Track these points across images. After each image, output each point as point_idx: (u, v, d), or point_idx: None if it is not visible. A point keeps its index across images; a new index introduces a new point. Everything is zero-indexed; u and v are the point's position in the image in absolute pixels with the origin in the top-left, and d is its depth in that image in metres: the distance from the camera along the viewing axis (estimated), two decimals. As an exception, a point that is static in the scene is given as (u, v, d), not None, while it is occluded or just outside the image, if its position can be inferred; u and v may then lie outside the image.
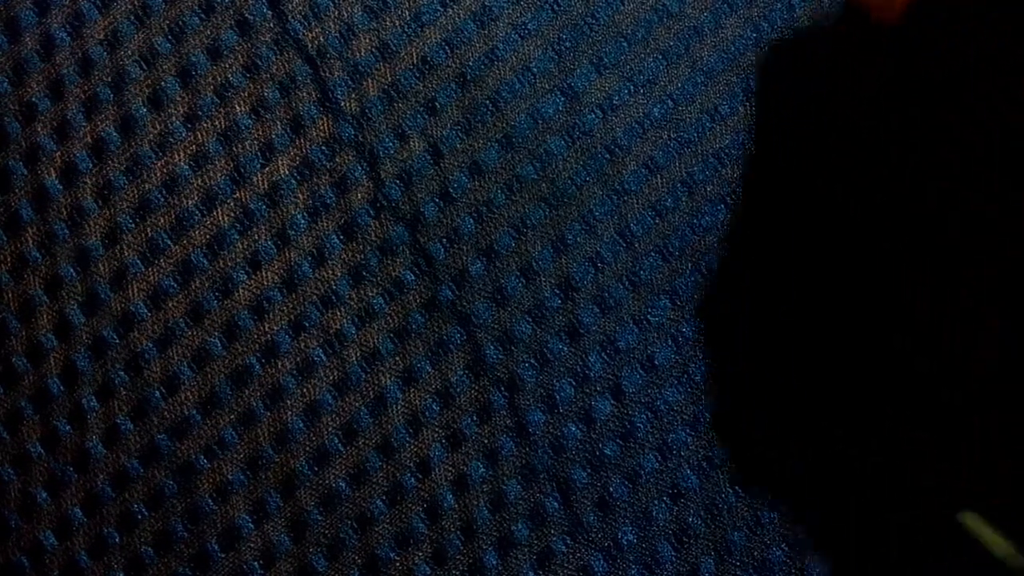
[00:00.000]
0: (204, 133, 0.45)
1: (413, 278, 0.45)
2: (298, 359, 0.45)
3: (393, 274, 0.45)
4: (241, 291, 0.45)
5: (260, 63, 0.46)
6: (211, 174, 0.45)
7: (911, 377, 0.41)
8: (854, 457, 0.43)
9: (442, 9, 0.46)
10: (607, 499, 0.45)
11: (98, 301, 0.45)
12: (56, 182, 0.45)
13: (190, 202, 0.45)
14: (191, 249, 0.45)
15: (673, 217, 0.45)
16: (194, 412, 0.45)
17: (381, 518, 0.44)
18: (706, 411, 0.43)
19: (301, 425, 0.45)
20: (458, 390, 0.45)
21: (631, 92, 0.46)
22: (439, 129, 0.45)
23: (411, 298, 0.45)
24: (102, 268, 0.45)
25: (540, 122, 0.45)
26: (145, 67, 0.46)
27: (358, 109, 0.45)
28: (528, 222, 0.45)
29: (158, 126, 0.46)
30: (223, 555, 0.44)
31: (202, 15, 0.46)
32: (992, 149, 0.41)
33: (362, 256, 0.45)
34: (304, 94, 0.46)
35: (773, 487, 0.44)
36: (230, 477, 0.44)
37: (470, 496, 0.44)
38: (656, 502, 0.45)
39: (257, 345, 0.45)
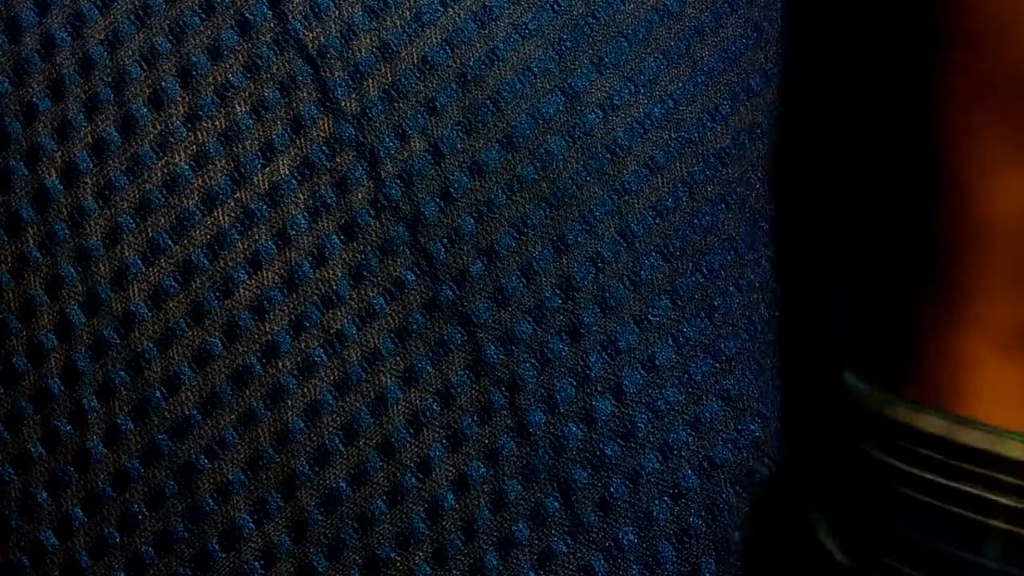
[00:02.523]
0: (204, 133, 0.45)
1: (413, 278, 0.45)
2: (298, 359, 0.45)
3: (393, 274, 0.45)
4: (241, 291, 0.45)
5: (260, 63, 0.46)
6: (211, 174, 0.45)
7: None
8: None
9: (443, 9, 0.46)
10: (608, 499, 0.45)
11: (98, 301, 0.45)
12: (56, 182, 0.45)
13: (190, 202, 0.45)
14: (191, 249, 0.45)
15: (674, 217, 0.45)
16: (194, 412, 0.45)
17: (381, 518, 0.44)
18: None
19: (301, 425, 0.45)
20: (458, 390, 0.45)
21: (632, 92, 0.46)
22: (440, 129, 0.45)
23: (411, 298, 0.45)
24: (103, 268, 0.45)
25: (541, 122, 0.45)
26: (145, 67, 0.46)
27: (358, 109, 0.45)
28: (529, 222, 0.45)
29: (158, 126, 0.46)
30: (223, 555, 0.44)
31: (202, 15, 0.46)
32: None
33: (362, 256, 0.45)
34: (304, 94, 0.46)
35: None
36: (230, 477, 0.44)
37: (471, 496, 0.44)
38: (657, 502, 0.45)
39: (257, 345, 0.45)
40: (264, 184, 0.45)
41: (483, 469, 0.44)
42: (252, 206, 0.45)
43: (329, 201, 0.45)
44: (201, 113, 0.46)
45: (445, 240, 0.45)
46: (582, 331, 0.45)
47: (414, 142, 0.45)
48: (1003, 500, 0.38)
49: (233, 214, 0.45)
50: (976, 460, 0.38)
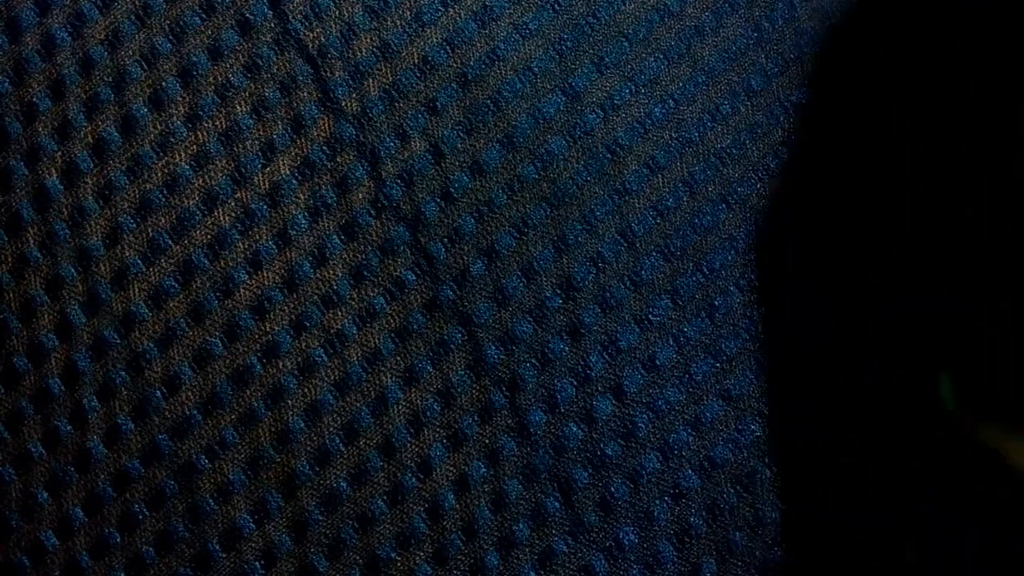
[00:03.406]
0: (205, 133, 0.45)
1: (414, 278, 0.45)
2: (299, 359, 0.45)
3: (394, 274, 0.45)
4: (242, 291, 0.45)
5: (261, 63, 0.46)
6: (212, 174, 0.45)
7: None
8: None
9: (443, 9, 0.46)
10: (608, 499, 0.45)
11: (99, 301, 0.45)
12: (57, 182, 0.45)
13: (191, 202, 0.45)
14: (192, 249, 0.45)
15: (674, 217, 0.45)
16: (195, 412, 0.44)
17: (382, 518, 0.44)
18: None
19: (302, 425, 0.44)
20: (459, 390, 0.45)
21: (632, 92, 0.46)
22: (440, 129, 0.45)
23: (412, 298, 0.45)
24: (103, 268, 0.45)
25: (541, 122, 0.45)
26: (146, 67, 0.46)
27: (359, 109, 0.45)
28: (529, 222, 0.45)
29: (159, 126, 0.46)
30: (224, 555, 0.44)
31: (203, 15, 0.46)
32: None
33: (363, 256, 0.45)
34: (305, 94, 0.46)
35: None
36: (231, 477, 0.44)
37: (471, 496, 0.44)
38: (657, 502, 0.45)
39: (258, 345, 0.45)
40: (264, 184, 0.45)
41: (483, 469, 0.44)
42: (252, 206, 0.45)
43: (329, 201, 0.45)
44: (201, 113, 0.46)
45: (445, 240, 0.45)
46: (582, 331, 0.45)
47: (414, 142, 0.45)
48: None
49: (233, 214, 0.45)
50: None
